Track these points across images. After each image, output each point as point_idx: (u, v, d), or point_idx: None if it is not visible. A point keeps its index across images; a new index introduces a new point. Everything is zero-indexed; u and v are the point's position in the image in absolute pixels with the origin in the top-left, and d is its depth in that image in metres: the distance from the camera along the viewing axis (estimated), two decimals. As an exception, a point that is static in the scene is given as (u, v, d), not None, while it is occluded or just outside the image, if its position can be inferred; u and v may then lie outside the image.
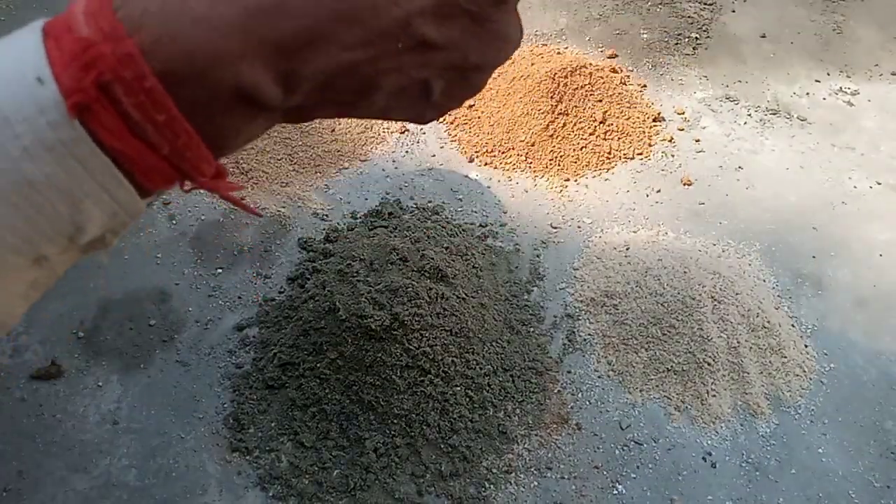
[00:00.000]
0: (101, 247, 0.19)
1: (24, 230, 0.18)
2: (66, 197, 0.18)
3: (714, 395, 0.50)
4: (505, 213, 0.63)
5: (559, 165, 0.66)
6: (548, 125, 0.66)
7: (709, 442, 0.49)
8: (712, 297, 0.53)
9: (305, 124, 0.65)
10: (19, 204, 0.17)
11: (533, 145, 0.66)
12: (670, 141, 0.69)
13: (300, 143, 0.65)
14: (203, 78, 0.18)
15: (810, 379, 0.53)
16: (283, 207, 0.61)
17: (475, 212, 0.62)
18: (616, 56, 0.77)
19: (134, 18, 0.17)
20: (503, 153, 0.66)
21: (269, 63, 0.18)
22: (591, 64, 0.70)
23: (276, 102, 0.19)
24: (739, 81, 0.76)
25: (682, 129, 0.70)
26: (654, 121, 0.70)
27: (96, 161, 0.17)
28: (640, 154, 0.68)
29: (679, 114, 0.72)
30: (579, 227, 0.62)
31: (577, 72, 0.68)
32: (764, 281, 0.58)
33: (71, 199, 0.18)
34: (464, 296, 0.49)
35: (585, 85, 0.68)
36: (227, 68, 0.18)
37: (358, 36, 0.19)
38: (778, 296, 0.58)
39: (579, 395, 0.51)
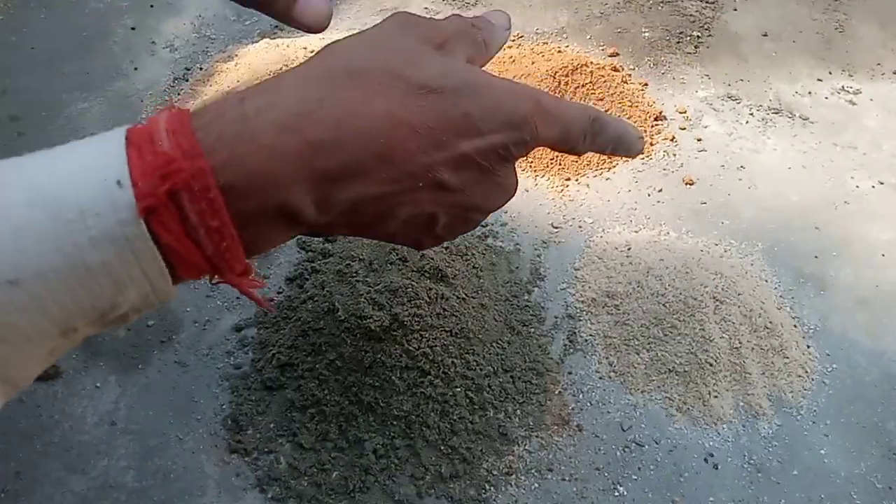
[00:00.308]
0: (121, 323, 0.21)
1: (69, 306, 0.20)
2: (113, 281, 0.20)
3: (716, 396, 0.50)
4: (505, 212, 0.62)
5: (560, 165, 0.65)
6: (548, 124, 0.65)
7: (711, 443, 0.49)
8: (714, 298, 0.53)
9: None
10: (72, 284, 0.19)
11: (533, 144, 0.66)
12: (672, 140, 0.69)
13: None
14: (257, 195, 0.21)
15: (812, 379, 0.52)
16: (283, 207, 0.61)
17: (475, 211, 0.62)
18: (617, 54, 0.76)
19: (210, 141, 0.20)
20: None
21: (313, 188, 0.21)
22: (592, 62, 0.70)
23: (309, 219, 0.22)
24: (741, 80, 0.75)
25: (684, 129, 0.70)
26: (655, 120, 0.70)
27: (149, 255, 0.20)
28: (642, 153, 0.67)
29: (681, 113, 0.71)
30: (580, 226, 0.61)
31: (578, 70, 0.67)
32: (766, 281, 0.58)
33: (116, 283, 0.20)
34: (464, 296, 0.49)
35: (586, 83, 0.67)
36: (280, 190, 0.21)
37: (390, 174, 0.22)
38: (780, 296, 0.57)
39: (580, 396, 0.51)
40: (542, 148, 0.67)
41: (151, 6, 0.79)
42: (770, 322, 0.53)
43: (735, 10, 0.83)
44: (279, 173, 0.21)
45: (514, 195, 0.28)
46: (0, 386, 0.20)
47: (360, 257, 0.49)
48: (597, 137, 0.28)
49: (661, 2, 0.83)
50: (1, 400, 0.21)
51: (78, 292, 0.20)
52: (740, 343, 0.51)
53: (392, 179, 0.22)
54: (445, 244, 0.53)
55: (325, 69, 0.23)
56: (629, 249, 0.58)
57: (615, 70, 0.72)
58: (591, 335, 0.53)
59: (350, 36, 0.25)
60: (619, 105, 0.69)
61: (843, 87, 0.75)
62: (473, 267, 0.53)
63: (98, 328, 0.22)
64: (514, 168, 0.27)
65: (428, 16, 0.80)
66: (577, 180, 0.65)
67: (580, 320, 0.54)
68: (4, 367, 0.20)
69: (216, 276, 0.22)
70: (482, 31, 0.28)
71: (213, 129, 0.21)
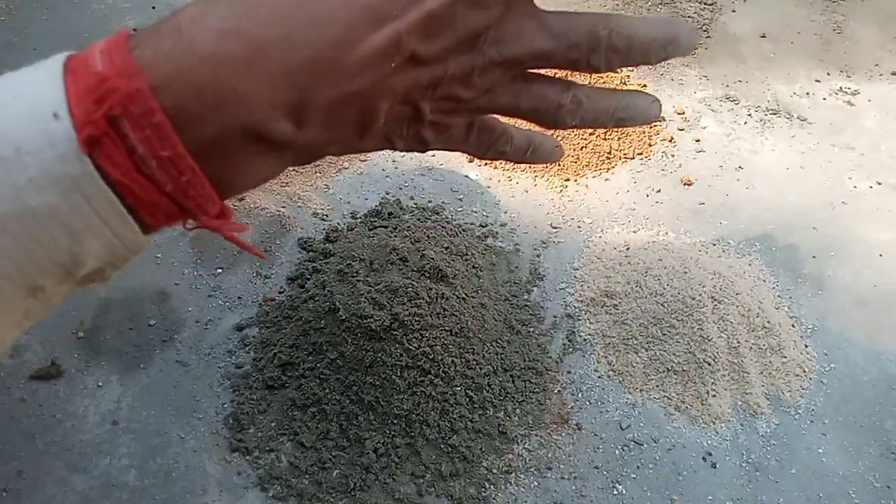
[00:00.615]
0: (100, 280, 0.20)
1: (21, 260, 0.18)
2: (66, 229, 0.18)
3: (714, 396, 0.50)
4: (505, 213, 0.63)
5: (559, 165, 0.66)
6: (548, 125, 0.66)
7: (709, 442, 0.49)
8: (712, 297, 0.53)
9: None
10: (18, 233, 0.17)
11: (533, 145, 0.66)
12: (670, 141, 0.69)
13: None
14: (212, 116, 0.18)
15: (810, 379, 0.53)
16: (283, 207, 0.61)
17: (475, 212, 0.62)
18: (616, 56, 0.76)
19: (146, 57, 0.18)
20: (503, 153, 0.66)
21: (277, 97, 0.18)
22: (591, 64, 0.70)
23: (287, 138, 0.19)
24: (739, 81, 0.76)
25: (683, 129, 0.70)
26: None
27: (101, 195, 0.18)
28: (640, 154, 0.68)
29: (679, 113, 0.72)
30: (579, 227, 0.62)
31: (578, 72, 0.68)
32: (764, 281, 0.58)
33: (71, 232, 0.18)
34: (464, 296, 0.49)
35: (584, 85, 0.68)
36: (238, 106, 0.18)
37: (355, 60, 0.19)
38: (778, 296, 0.57)
39: (579, 395, 0.51)
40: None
41: (153, 8, 0.80)
42: (768, 322, 0.53)
43: (733, 11, 0.84)
44: (230, 86, 0.18)
45: (516, 81, 0.23)
46: None
47: (361, 257, 0.49)
48: (615, 42, 0.24)
49: (660, 3, 0.83)
50: None
51: (28, 243, 0.18)
52: (738, 342, 0.52)
53: (361, 66, 0.19)
54: (445, 245, 0.53)
55: None
56: (628, 249, 0.58)
57: (614, 71, 0.72)
58: (590, 334, 0.54)
59: None
60: (618, 106, 0.69)
61: (841, 87, 0.76)
62: (473, 267, 0.54)
63: (72, 286, 0.20)
64: (506, 30, 0.22)
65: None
66: (576, 181, 0.65)
67: (579, 320, 0.54)
68: None
69: (189, 221, 0.20)
70: None
71: (149, 46, 0.18)
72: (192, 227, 0.20)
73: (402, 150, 0.24)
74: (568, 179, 0.65)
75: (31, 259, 0.18)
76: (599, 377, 0.52)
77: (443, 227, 0.57)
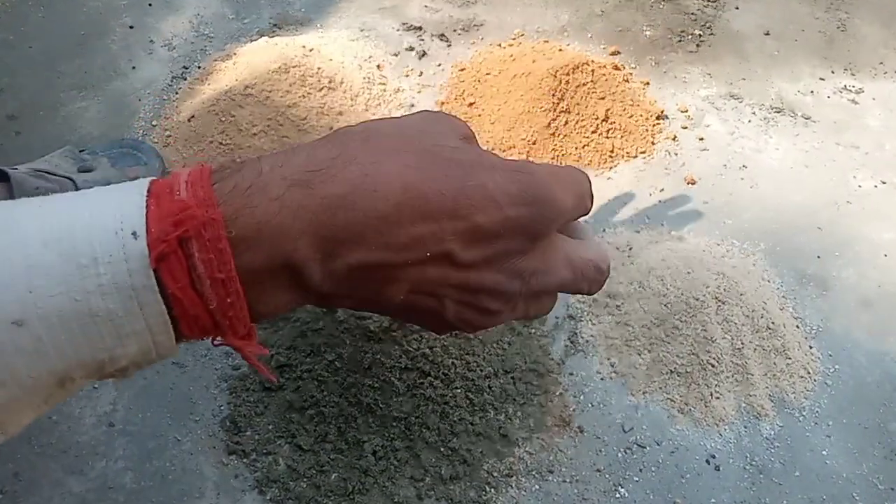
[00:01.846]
0: (120, 377, 0.21)
1: (68, 354, 0.20)
2: (116, 331, 0.20)
3: (718, 398, 0.50)
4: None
5: (561, 164, 0.65)
6: (549, 123, 0.65)
7: (712, 444, 0.49)
8: (716, 298, 0.52)
9: (304, 123, 0.65)
10: (74, 331, 0.19)
11: (534, 143, 0.65)
12: (673, 139, 0.68)
13: (298, 140, 0.64)
14: (265, 248, 0.21)
15: (814, 380, 0.52)
16: (282, 206, 0.61)
17: (476, 211, 0.62)
18: (618, 53, 0.76)
19: (225, 191, 0.21)
20: (504, 151, 0.66)
21: (318, 246, 0.21)
22: (593, 61, 0.69)
23: (314, 281, 0.22)
24: (743, 79, 0.75)
25: (686, 128, 0.70)
26: (657, 119, 0.69)
27: (154, 305, 0.20)
28: (643, 152, 0.67)
29: (682, 112, 0.71)
30: (581, 226, 0.61)
31: (580, 69, 0.67)
32: (768, 281, 0.58)
33: (119, 334, 0.20)
34: (464, 296, 0.49)
35: (587, 82, 0.67)
36: (287, 243, 0.21)
37: (396, 238, 0.22)
38: (782, 296, 0.57)
39: (581, 397, 0.50)
40: (542, 147, 0.66)
41: (150, 5, 0.79)
42: (772, 323, 0.53)
43: (737, 8, 0.83)
44: (286, 226, 0.21)
45: (542, 306, 0.26)
46: None
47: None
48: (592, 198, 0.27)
49: (663, 0, 0.82)
50: None
51: (79, 340, 0.19)
52: (742, 344, 0.51)
53: (398, 245, 0.22)
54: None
55: (342, 134, 0.23)
56: (630, 249, 0.58)
57: (616, 69, 0.72)
58: (592, 336, 0.53)
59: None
60: (621, 104, 0.68)
61: (845, 86, 0.75)
62: (474, 267, 0.53)
63: (95, 379, 0.21)
64: (541, 261, 0.24)
65: (428, 13, 0.79)
66: (577, 180, 0.65)
67: (581, 321, 0.54)
68: None
69: (218, 336, 0.22)
70: None
71: (229, 182, 0.21)
72: (218, 343, 0.22)
73: (417, 325, 0.26)
74: (569, 178, 0.65)
75: (76, 354, 0.20)
76: (602, 379, 0.51)
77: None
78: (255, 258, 0.21)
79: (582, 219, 0.29)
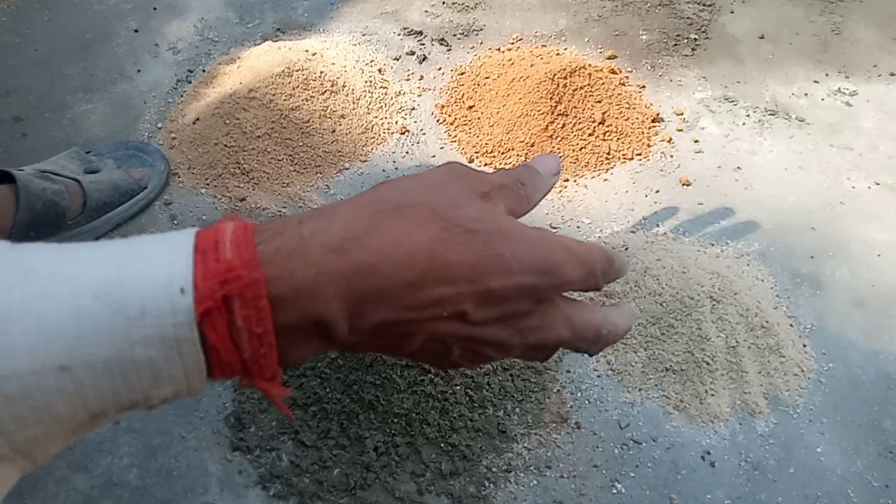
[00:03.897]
0: (145, 408, 0.23)
1: (107, 396, 0.21)
2: (154, 377, 0.21)
3: (713, 395, 0.50)
4: (505, 213, 0.63)
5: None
6: (547, 126, 0.66)
7: (707, 441, 0.49)
8: (711, 297, 0.53)
9: (307, 126, 0.66)
10: (115, 376, 0.21)
11: (532, 146, 0.66)
12: (669, 141, 0.69)
13: (301, 143, 0.65)
14: (300, 307, 0.22)
15: (808, 378, 0.53)
16: (284, 207, 0.62)
17: (475, 212, 0.62)
18: (615, 57, 0.77)
19: (268, 253, 0.22)
20: (503, 154, 0.67)
21: (348, 307, 0.23)
22: (590, 65, 0.70)
23: (341, 335, 0.24)
24: (738, 82, 0.76)
25: (681, 130, 0.71)
26: (652, 121, 0.70)
27: (194, 355, 0.21)
28: (639, 154, 0.68)
29: (678, 114, 0.72)
30: (578, 227, 0.62)
31: (577, 73, 0.68)
32: (762, 281, 0.58)
33: (156, 379, 0.21)
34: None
35: (585, 86, 0.68)
36: (320, 304, 0.23)
37: (418, 301, 0.24)
38: (776, 295, 0.58)
39: (578, 394, 0.51)
40: (540, 149, 0.67)
41: (154, 8, 0.80)
42: (766, 321, 0.53)
43: (732, 12, 0.84)
44: (322, 289, 0.23)
45: (540, 355, 0.29)
46: (21, 460, 0.21)
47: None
48: (609, 273, 0.30)
49: (659, 4, 0.84)
50: (18, 474, 0.22)
51: (118, 383, 0.21)
52: (737, 342, 0.52)
53: (419, 306, 0.24)
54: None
55: (377, 201, 0.25)
56: (626, 249, 0.58)
57: (613, 72, 0.73)
58: (589, 334, 0.54)
59: (405, 176, 0.28)
60: (617, 107, 0.69)
61: (839, 88, 0.76)
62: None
63: (123, 413, 0.23)
64: (542, 320, 0.27)
65: (428, 18, 0.80)
66: (575, 181, 0.65)
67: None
68: (30, 446, 0.21)
69: (246, 379, 0.24)
70: (525, 186, 0.31)
71: (272, 245, 0.23)
72: (245, 383, 0.24)
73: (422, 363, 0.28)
74: (567, 180, 0.66)
75: (114, 396, 0.21)
76: (598, 376, 0.52)
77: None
78: (290, 316, 0.22)
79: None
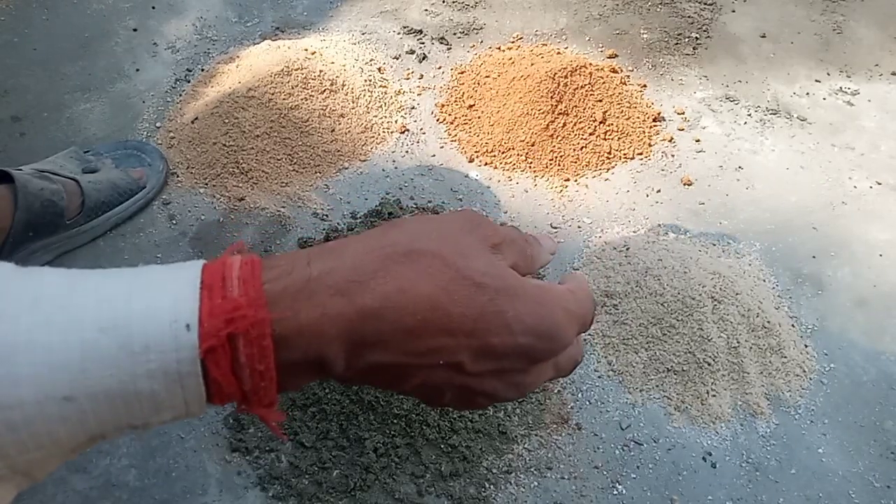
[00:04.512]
0: (142, 431, 0.23)
1: (108, 422, 0.21)
2: (155, 406, 0.22)
3: (714, 395, 0.50)
4: (505, 213, 0.63)
5: (559, 165, 0.66)
6: (548, 125, 0.66)
7: (709, 442, 0.49)
8: (712, 297, 0.53)
9: (306, 125, 0.65)
10: (118, 406, 0.21)
11: (533, 145, 0.66)
12: (670, 141, 0.69)
13: (300, 143, 0.65)
14: (302, 347, 0.23)
15: (810, 379, 0.53)
16: (283, 207, 0.61)
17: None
18: (616, 56, 0.77)
19: (274, 292, 0.23)
20: (503, 153, 0.66)
21: (348, 347, 0.24)
22: (591, 64, 0.70)
23: (337, 372, 0.24)
24: (739, 81, 0.76)
25: (682, 129, 0.70)
26: (654, 121, 0.70)
27: (196, 388, 0.22)
28: (640, 154, 0.68)
29: (679, 114, 0.72)
30: (579, 227, 0.62)
31: (578, 72, 0.68)
32: (764, 281, 0.58)
33: (157, 408, 0.22)
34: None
35: (585, 85, 0.68)
36: (322, 345, 0.23)
37: (415, 347, 0.24)
38: (778, 296, 0.57)
39: (579, 395, 0.51)
40: (541, 149, 0.67)
41: (153, 7, 0.80)
42: (768, 322, 0.53)
43: (733, 11, 0.84)
44: (324, 331, 0.23)
45: (524, 395, 0.30)
46: (20, 479, 0.22)
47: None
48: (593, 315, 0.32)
49: (660, 3, 0.83)
50: (15, 491, 0.22)
51: (120, 411, 0.21)
52: (738, 342, 0.52)
53: (416, 353, 0.24)
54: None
55: (388, 244, 0.26)
56: (627, 249, 0.58)
57: (614, 71, 0.72)
58: (589, 334, 0.54)
59: (418, 217, 0.28)
60: (618, 106, 0.69)
61: (840, 87, 0.76)
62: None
63: (122, 434, 0.24)
64: (535, 375, 0.28)
65: (428, 17, 0.80)
66: (576, 181, 0.65)
67: (579, 320, 0.54)
68: (30, 467, 0.22)
69: (244, 405, 0.24)
70: (532, 246, 0.31)
71: (279, 284, 0.23)
72: (243, 409, 0.24)
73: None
74: (568, 179, 0.65)
75: (115, 422, 0.22)
76: (599, 377, 0.52)
77: (443, 227, 0.57)
78: (292, 354, 0.23)
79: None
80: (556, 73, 0.67)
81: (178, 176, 0.64)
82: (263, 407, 0.23)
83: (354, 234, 0.57)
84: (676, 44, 0.79)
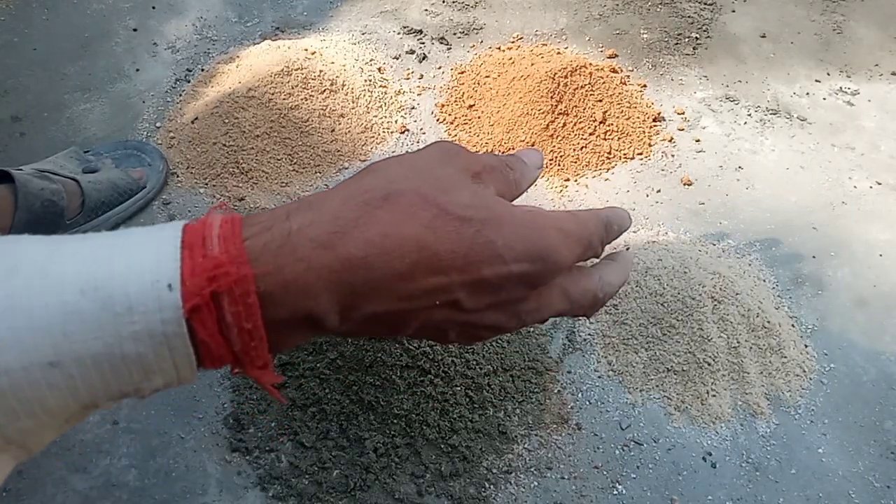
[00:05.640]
0: (136, 398, 0.23)
1: (97, 388, 0.21)
2: (144, 370, 0.21)
3: (714, 395, 0.50)
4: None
5: (559, 165, 0.66)
6: (548, 125, 0.66)
7: (709, 442, 0.49)
8: (712, 297, 0.53)
9: (306, 125, 0.65)
10: (105, 370, 0.21)
11: (533, 145, 0.66)
12: (670, 141, 0.69)
13: (300, 143, 0.65)
14: (290, 303, 0.22)
15: (810, 379, 0.53)
16: (283, 207, 0.61)
17: (475, 212, 0.62)
18: (616, 56, 0.77)
19: (256, 249, 0.22)
20: (503, 153, 0.66)
21: (339, 300, 0.23)
22: (591, 64, 0.70)
23: (331, 326, 0.23)
24: (739, 81, 0.76)
25: (682, 129, 0.70)
26: (654, 121, 0.70)
27: (183, 349, 0.21)
28: (640, 154, 0.68)
29: (679, 114, 0.72)
30: (579, 227, 0.62)
31: (578, 72, 0.68)
32: (764, 281, 0.58)
33: (146, 372, 0.21)
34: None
35: (585, 85, 0.68)
36: (310, 300, 0.22)
37: (409, 291, 0.23)
38: (778, 296, 0.57)
39: (579, 395, 0.51)
40: (541, 149, 0.67)
41: (153, 8, 0.80)
42: (768, 322, 0.53)
43: (733, 11, 0.84)
44: (311, 285, 0.22)
45: (530, 324, 0.28)
46: (16, 450, 0.21)
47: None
48: (609, 237, 0.29)
49: (660, 3, 0.83)
50: (13, 463, 0.22)
51: (108, 377, 0.21)
52: (738, 342, 0.52)
53: (410, 296, 0.24)
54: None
55: (365, 190, 0.24)
56: (628, 249, 0.58)
57: (614, 71, 0.72)
58: (589, 334, 0.54)
59: (393, 157, 0.27)
60: (618, 106, 0.69)
61: (841, 87, 0.76)
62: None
63: (115, 402, 0.23)
64: (538, 302, 0.27)
65: (428, 17, 0.80)
66: (576, 181, 0.65)
67: (579, 320, 0.54)
68: (24, 437, 0.21)
69: (237, 368, 0.23)
70: (514, 171, 0.30)
71: (260, 240, 0.22)
72: (237, 371, 0.23)
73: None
74: (568, 179, 0.65)
75: (105, 388, 0.21)
76: (599, 377, 0.52)
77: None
78: (280, 311, 0.22)
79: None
80: (556, 73, 0.67)
81: (178, 176, 0.64)
82: (257, 368, 0.23)
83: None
84: (676, 44, 0.79)
